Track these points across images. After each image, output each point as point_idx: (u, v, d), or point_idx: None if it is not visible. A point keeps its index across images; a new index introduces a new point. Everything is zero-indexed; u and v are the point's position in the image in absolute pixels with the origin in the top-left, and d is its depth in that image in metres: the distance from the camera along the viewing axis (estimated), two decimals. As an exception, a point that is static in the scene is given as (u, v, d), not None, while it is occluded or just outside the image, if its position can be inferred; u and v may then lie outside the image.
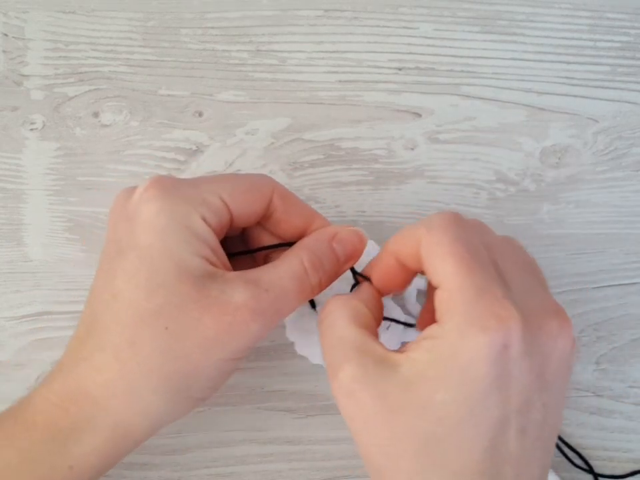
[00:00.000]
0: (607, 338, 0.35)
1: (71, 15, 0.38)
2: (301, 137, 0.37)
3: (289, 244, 0.30)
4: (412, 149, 0.37)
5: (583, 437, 0.34)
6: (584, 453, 0.34)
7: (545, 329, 0.24)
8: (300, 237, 0.30)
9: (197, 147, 0.37)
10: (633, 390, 0.35)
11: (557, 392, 0.25)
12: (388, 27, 0.38)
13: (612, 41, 0.38)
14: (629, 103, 0.38)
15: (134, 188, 0.28)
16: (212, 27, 0.38)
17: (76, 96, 0.37)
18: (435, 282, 0.25)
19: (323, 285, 0.29)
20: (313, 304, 0.34)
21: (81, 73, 0.37)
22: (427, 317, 0.29)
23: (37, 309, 0.35)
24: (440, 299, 0.24)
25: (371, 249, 0.35)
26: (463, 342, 0.23)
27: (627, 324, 0.35)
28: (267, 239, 0.30)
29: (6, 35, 0.38)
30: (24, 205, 0.36)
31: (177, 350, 0.26)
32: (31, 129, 0.37)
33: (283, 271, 0.28)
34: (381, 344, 0.25)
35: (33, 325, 0.35)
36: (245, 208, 0.28)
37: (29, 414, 0.26)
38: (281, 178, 0.36)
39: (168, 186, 0.27)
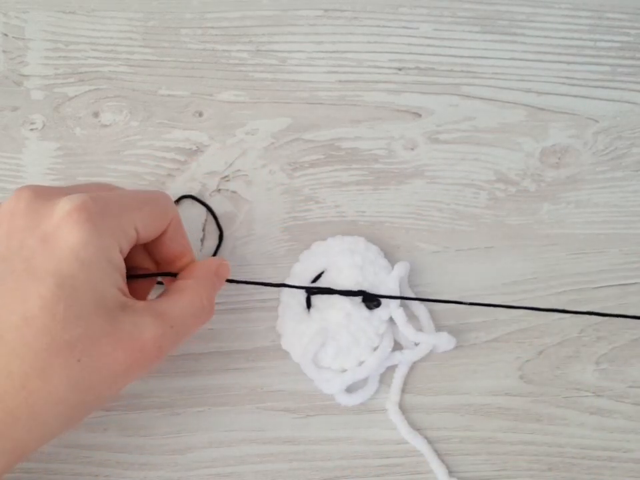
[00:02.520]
0: (606, 338, 0.35)
1: (71, 15, 0.38)
2: (300, 137, 0.37)
3: (173, 274, 0.31)
4: (412, 149, 0.37)
5: (583, 437, 0.34)
6: (583, 452, 0.34)
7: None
8: (171, 262, 0.31)
9: (197, 147, 0.37)
10: (633, 390, 0.35)
11: None
12: (388, 27, 0.38)
13: (612, 41, 0.38)
14: (629, 102, 0.38)
15: (49, 194, 0.27)
16: (212, 27, 0.38)
17: (76, 96, 0.37)
18: None
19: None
20: (308, 304, 0.34)
21: (81, 72, 0.37)
22: None
23: (37, 309, 0.35)
24: None
25: (366, 248, 0.35)
26: None
27: (627, 324, 0.35)
28: (141, 257, 0.32)
29: (6, 35, 0.38)
30: (24, 205, 0.36)
31: (87, 382, 0.25)
32: (31, 129, 0.37)
33: (185, 307, 0.29)
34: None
35: (33, 325, 0.35)
36: (150, 234, 0.29)
37: None
38: (280, 178, 0.36)
39: (93, 214, 0.26)
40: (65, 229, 0.25)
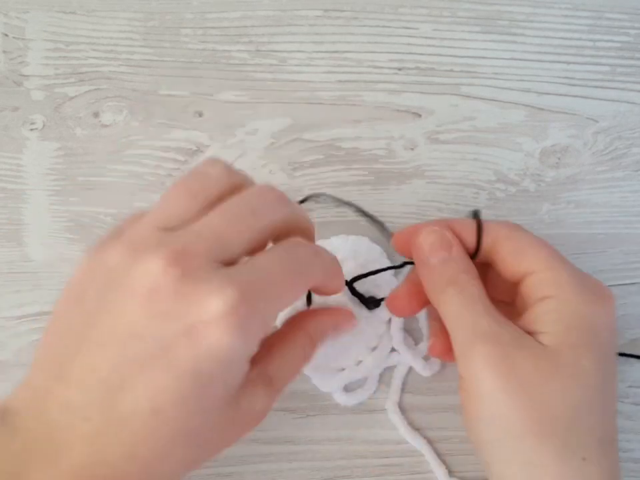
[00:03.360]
0: (606, 338, 0.35)
1: (71, 15, 0.38)
2: (300, 137, 0.37)
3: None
4: (412, 149, 0.37)
5: (583, 437, 0.34)
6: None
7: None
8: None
9: (197, 146, 0.37)
10: (633, 390, 0.35)
11: None
12: (388, 27, 0.38)
13: (611, 41, 0.38)
14: (629, 102, 0.38)
15: (186, 271, 0.24)
16: (212, 27, 0.38)
17: (76, 96, 0.37)
18: (524, 269, 0.28)
19: None
20: (309, 300, 0.34)
21: (81, 73, 0.37)
22: (440, 339, 0.30)
23: (37, 309, 0.35)
24: (543, 279, 0.27)
25: (370, 248, 0.35)
26: (591, 310, 0.26)
27: (627, 324, 0.35)
28: None
29: (6, 35, 0.38)
30: (24, 205, 0.36)
31: (200, 459, 0.27)
32: (31, 129, 0.37)
33: (291, 368, 0.28)
34: (512, 325, 0.27)
35: (32, 325, 0.35)
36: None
37: None
38: (281, 178, 0.36)
39: (244, 319, 0.24)
40: (216, 330, 0.23)
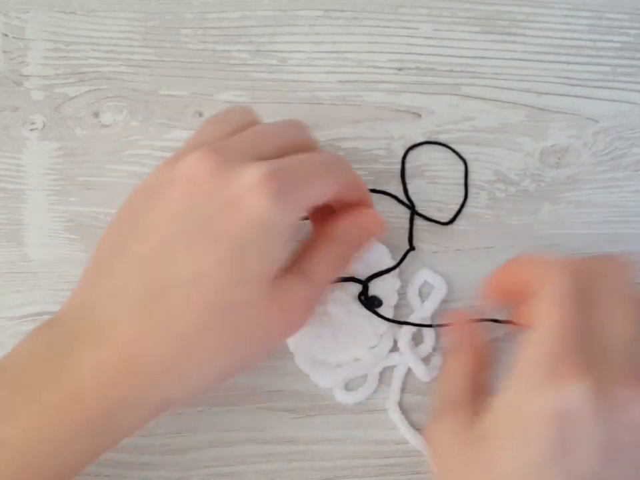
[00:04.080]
0: (607, 338, 0.35)
1: (71, 15, 0.38)
2: (301, 137, 0.37)
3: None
4: (412, 149, 0.37)
5: (583, 437, 0.34)
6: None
7: (618, 396, 0.23)
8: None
9: (197, 147, 0.37)
10: (633, 390, 0.35)
11: (633, 464, 0.23)
12: (388, 27, 0.38)
13: (612, 41, 0.38)
14: (629, 103, 0.38)
15: (235, 159, 0.26)
16: (212, 27, 0.38)
17: (76, 96, 0.37)
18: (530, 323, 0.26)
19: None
20: None
21: (81, 73, 0.37)
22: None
23: (37, 309, 0.35)
24: (524, 350, 0.25)
25: (375, 247, 0.35)
26: (526, 403, 0.23)
27: (627, 324, 0.35)
28: None
29: (6, 35, 0.38)
30: (24, 205, 0.36)
31: (239, 346, 0.27)
32: (31, 129, 0.37)
33: (327, 265, 0.29)
34: (474, 403, 0.27)
35: (33, 325, 0.34)
36: (325, 198, 0.29)
37: (78, 380, 0.24)
38: (281, 178, 0.36)
39: (281, 186, 0.26)
40: (253, 196, 0.25)
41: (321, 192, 0.28)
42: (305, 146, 0.29)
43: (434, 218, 0.36)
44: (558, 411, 0.22)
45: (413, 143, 0.37)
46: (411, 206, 0.36)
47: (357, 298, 0.33)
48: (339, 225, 0.31)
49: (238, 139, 0.28)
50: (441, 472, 0.27)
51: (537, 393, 0.23)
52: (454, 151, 0.37)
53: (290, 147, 0.28)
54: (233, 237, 0.25)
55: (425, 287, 0.35)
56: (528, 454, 0.23)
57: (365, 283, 0.33)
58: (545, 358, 0.23)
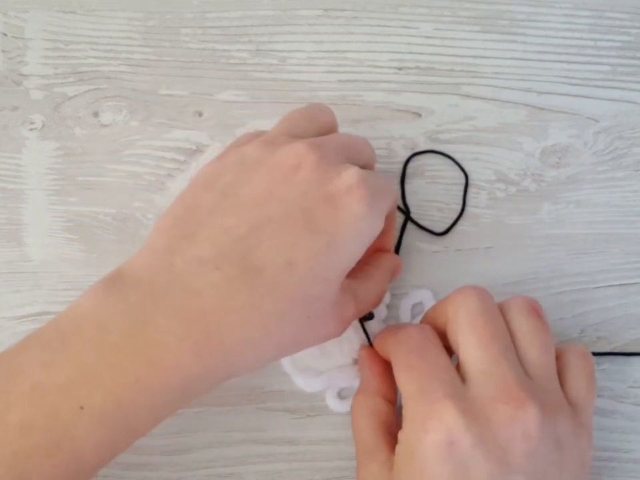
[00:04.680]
0: (607, 338, 0.35)
1: (70, 15, 0.38)
2: (300, 137, 0.37)
3: None
4: (412, 149, 0.37)
5: (583, 437, 0.34)
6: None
7: (495, 417, 0.24)
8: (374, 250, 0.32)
9: (197, 146, 0.37)
10: (633, 390, 0.35)
11: (535, 476, 0.24)
12: (388, 26, 0.38)
13: (612, 40, 0.38)
14: (629, 102, 0.38)
15: (323, 155, 0.27)
16: (212, 27, 0.38)
17: (76, 96, 0.37)
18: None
19: None
20: None
21: (80, 72, 0.37)
22: None
23: (37, 309, 0.35)
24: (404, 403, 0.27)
25: None
26: (415, 444, 0.25)
27: (627, 324, 0.35)
28: None
29: (6, 34, 0.38)
30: (24, 205, 0.36)
31: (302, 338, 0.27)
32: (31, 129, 0.37)
33: (372, 293, 0.30)
34: (389, 442, 0.28)
35: (33, 325, 0.35)
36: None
37: (158, 351, 0.24)
38: (280, 178, 0.36)
39: (372, 194, 0.27)
40: (351, 198, 0.26)
41: (391, 206, 0.30)
42: (370, 165, 0.31)
43: (434, 218, 0.36)
44: (440, 449, 0.24)
45: (413, 142, 0.37)
46: (406, 212, 0.36)
47: None
48: (386, 257, 0.32)
49: (333, 140, 0.29)
50: None
51: (419, 440, 0.25)
52: (456, 162, 0.36)
53: (363, 164, 0.30)
54: (328, 233, 0.26)
55: (418, 307, 0.35)
56: None
57: None
58: (416, 408, 0.26)
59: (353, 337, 0.33)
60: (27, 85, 0.37)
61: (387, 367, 0.30)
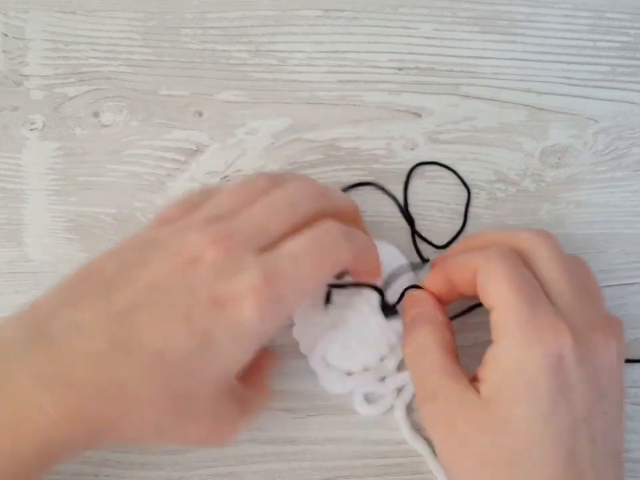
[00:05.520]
0: (607, 338, 0.35)
1: (71, 15, 0.38)
2: (300, 137, 0.37)
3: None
4: (412, 149, 0.37)
5: (583, 437, 0.34)
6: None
7: (592, 342, 0.27)
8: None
9: (197, 147, 0.37)
10: (633, 390, 0.35)
11: (614, 402, 0.27)
12: (388, 26, 0.38)
13: (612, 41, 0.38)
14: (629, 103, 0.38)
15: (231, 249, 0.26)
16: (212, 27, 0.38)
17: (76, 96, 0.37)
18: (489, 305, 0.28)
19: None
20: (328, 298, 0.33)
21: (81, 72, 0.37)
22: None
23: (37, 309, 0.35)
24: (496, 319, 0.27)
25: (396, 258, 0.34)
26: (524, 356, 0.26)
27: (627, 324, 0.35)
28: None
29: (6, 34, 0.38)
30: (24, 205, 0.36)
31: (170, 434, 0.27)
32: (31, 129, 0.37)
33: (261, 396, 0.31)
34: (463, 369, 0.28)
35: (32, 325, 0.35)
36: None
37: (18, 424, 0.24)
38: (281, 178, 0.36)
39: (269, 301, 0.26)
40: (243, 303, 0.26)
41: (316, 281, 0.28)
42: (320, 213, 0.29)
43: (434, 218, 0.36)
44: (551, 362, 0.25)
45: (412, 142, 0.37)
46: (410, 221, 0.36)
47: (372, 306, 0.33)
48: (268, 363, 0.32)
49: (248, 221, 0.28)
50: (448, 448, 0.28)
51: (529, 351, 0.26)
52: (459, 176, 0.36)
53: (298, 223, 0.28)
54: (205, 333, 0.25)
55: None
56: (537, 405, 0.25)
57: (381, 290, 0.33)
58: (524, 322, 0.26)
59: (379, 337, 0.33)
60: (27, 85, 0.37)
61: (443, 301, 0.31)
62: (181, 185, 0.36)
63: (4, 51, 0.38)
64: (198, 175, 0.36)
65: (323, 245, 0.28)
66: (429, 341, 0.29)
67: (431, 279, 0.32)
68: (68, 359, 0.24)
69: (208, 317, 0.25)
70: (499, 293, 0.27)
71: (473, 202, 0.36)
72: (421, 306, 0.31)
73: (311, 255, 0.27)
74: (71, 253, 0.36)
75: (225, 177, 0.36)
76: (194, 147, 0.37)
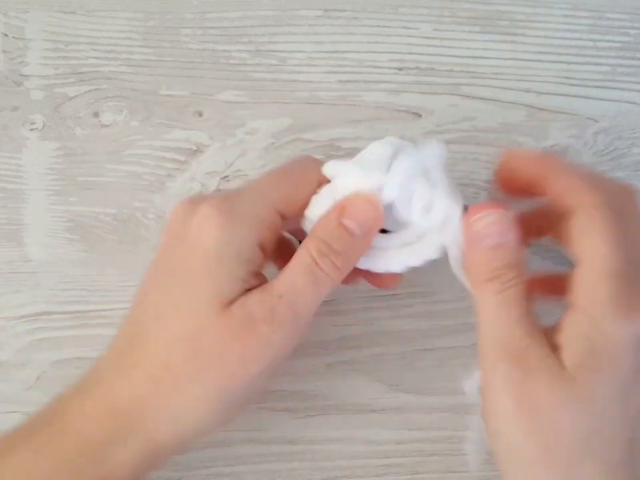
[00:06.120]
0: (607, 338, 0.35)
1: (71, 15, 0.38)
2: (300, 137, 0.37)
3: None
4: (412, 149, 0.37)
5: (583, 437, 0.34)
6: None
7: None
8: None
9: (197, 147, 0.37)
10: None
11: None
12: (388, 26, 0.38)
13: (612, 41, 0.38)
14: (629, 103, 0.38)
15: (196, 202, 0.27)
16: (212, 27, 0.38)
17: (76, 96, 0.37)
18: (579, 256, 0.26)
19: (342, 269, 0.27)
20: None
21: (81, 72, 0.37)
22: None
23: (37, 309, 0.35)
24: (585, 279, 0.25)
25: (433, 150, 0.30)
26: (612, 331, 0.24)
27: None
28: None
29: (6, 35, 0.38)
30: (24, 205, 0.36)
31: (206, 374, 0.26)
32: (31, 129, 0.37)
33: (294, 269, 0.26)
34: (542, 338, 0.25)
35: (32, 325, 0.35)
36: (298, 207, 0.28)
37: (65, 423, 0.26)
38: (281, 178, 0.36)
39: (225, 212, 0.27)
40: (200, 231, 0.27)
41: (280, 201, 0.28)
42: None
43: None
44: (635, 340, 0.24)
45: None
46: None
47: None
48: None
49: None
50: (516, 417, 0.25)
51: (619, 327, 0.24)
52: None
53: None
54: (184, 273, 0.27)
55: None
56: (622, 383, 0.25)
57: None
58: (615, 294, 0.24)
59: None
60: (27, 85, 0.37)
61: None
62: (181, 185, 0.36)
63: (4, 51, 0.38)
64: (198, 174, 0.36)
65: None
66: (519, 289, 0.26)
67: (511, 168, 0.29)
68: (101, 369, 0.28)
69: (184, 258, 0.27)
70: (604, 255, 0.25)
71: (473, 202, 0.36)
72: (503, 237, 0.27)
73: (264, 176, 0.29)
74: (71, 253, 0.36)
75: (225, 177, 0.36)
76: (194, 147, 0.37)
